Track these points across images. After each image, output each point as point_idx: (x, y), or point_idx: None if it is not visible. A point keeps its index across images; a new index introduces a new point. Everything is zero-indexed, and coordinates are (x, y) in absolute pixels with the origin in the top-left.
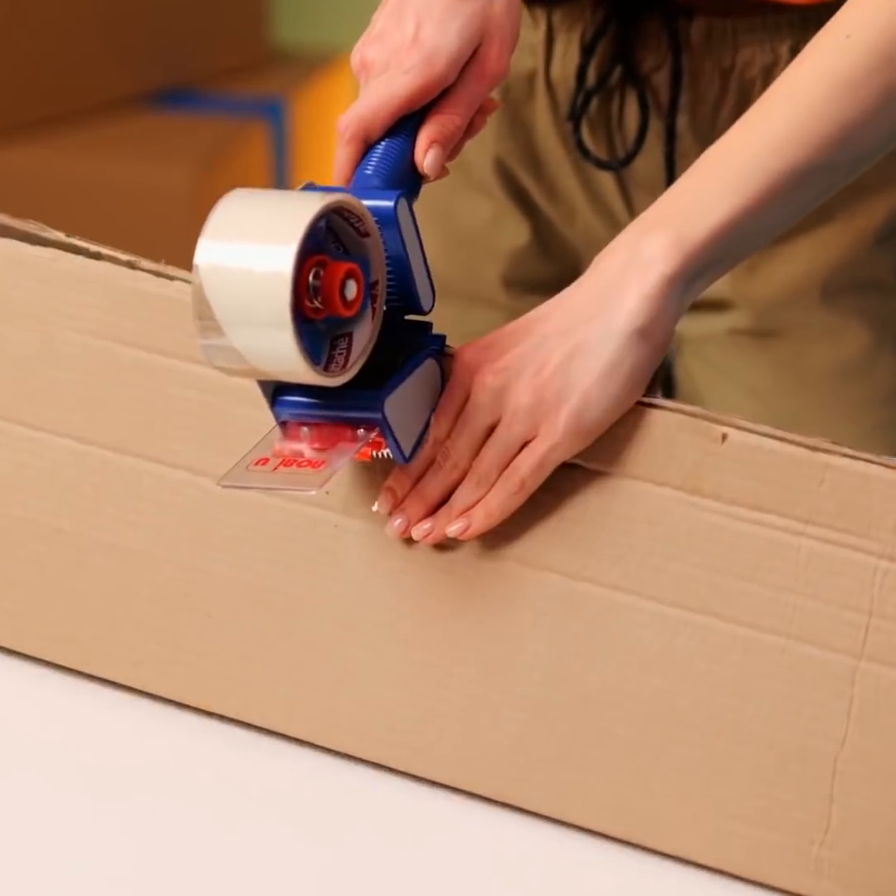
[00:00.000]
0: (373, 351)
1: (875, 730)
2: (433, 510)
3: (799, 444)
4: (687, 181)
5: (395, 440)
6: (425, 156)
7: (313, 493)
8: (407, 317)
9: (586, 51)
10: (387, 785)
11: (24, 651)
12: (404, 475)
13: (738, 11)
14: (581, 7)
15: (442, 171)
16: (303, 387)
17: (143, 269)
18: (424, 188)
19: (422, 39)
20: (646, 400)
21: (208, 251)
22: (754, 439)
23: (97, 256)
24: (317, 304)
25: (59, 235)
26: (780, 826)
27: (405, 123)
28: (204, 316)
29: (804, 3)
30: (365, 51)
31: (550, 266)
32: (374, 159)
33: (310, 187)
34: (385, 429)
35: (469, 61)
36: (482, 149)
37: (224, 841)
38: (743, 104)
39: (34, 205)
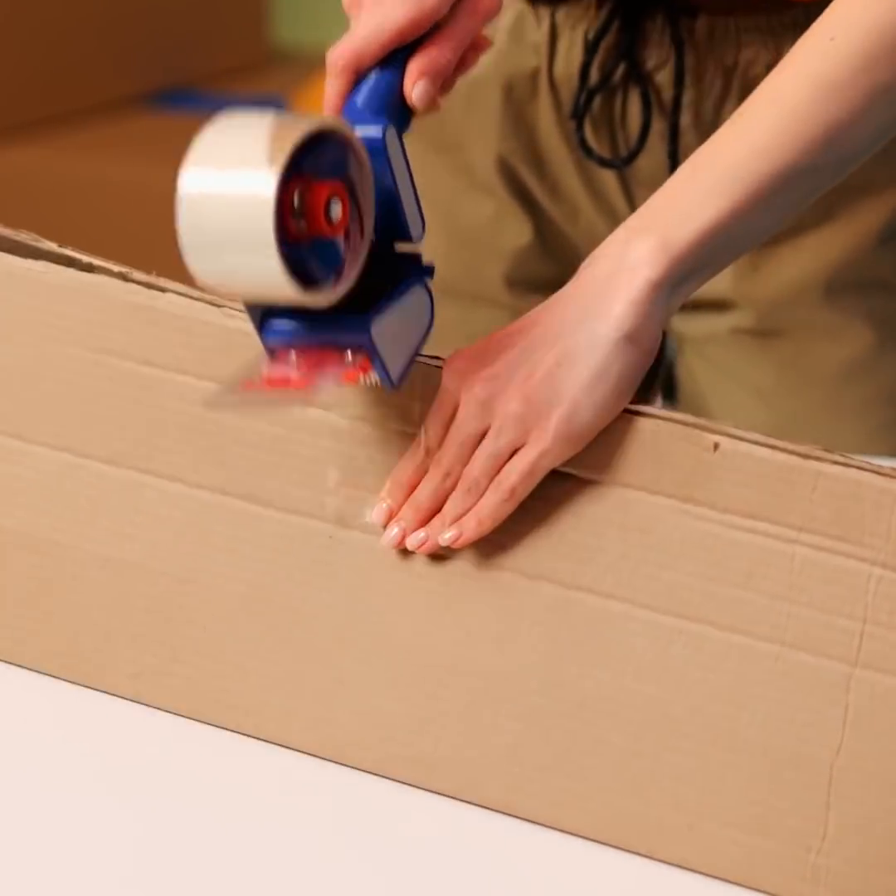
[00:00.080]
0: (361, 278)
1: (871, 737)
2: (428, 519)
3: (791, 452)
4: (673, 185)
5: (382, 363)
6: (414, 87)
7: (308, 405)
8: (397, 246)
9: (589, 49)
10: (383, 793)
11: (21, 664)
12: (399, 486)
13: (741, 9)
14: (585, 5)
15: (432, 105)
16: (291, 313)
17: (135, 281)
18: (427, 188)
19: None
20: (638, 408)
21: (192, 175)
22: (746, 447)
23: (90, 268)
24: (302, 225)
25: (52, 246)
26: (776, 834)
27: (396, 57)
28: (191, 241)
29: (807, 0)
30: None
31: (553, 266)
32: (364, 91)
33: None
34: (372, 352)
35: None
36: (485, 148)
37: (220, 848)
38: None
39: (34, 205)
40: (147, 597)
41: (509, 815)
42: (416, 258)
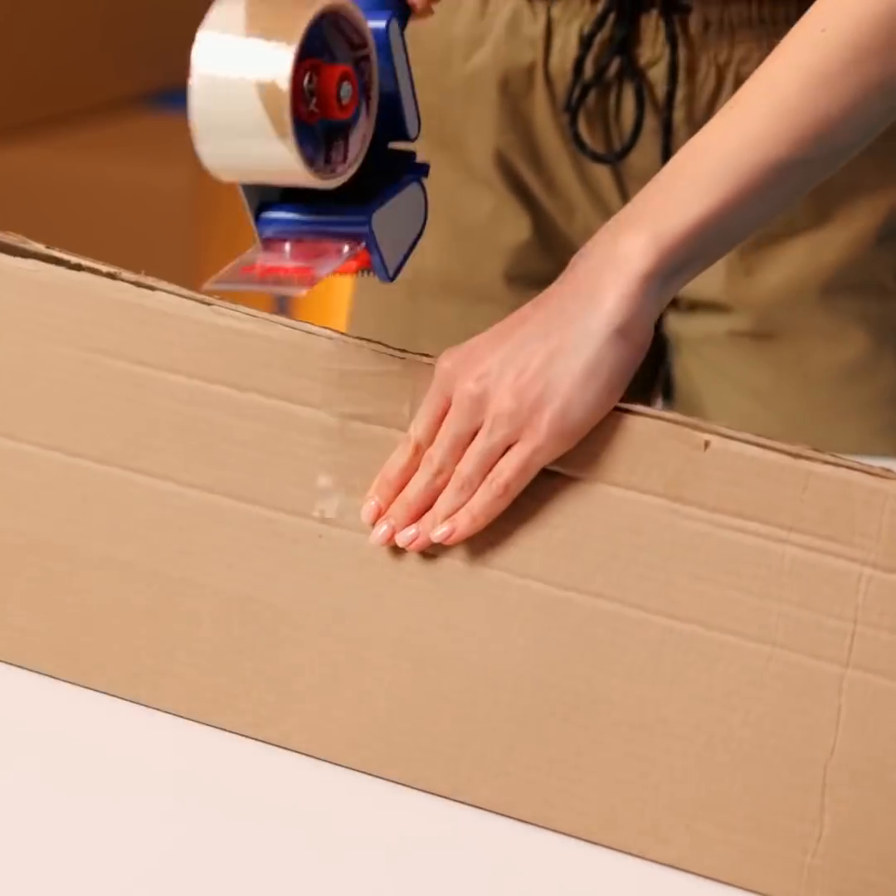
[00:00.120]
0: (358, 174)
1: (864, 737)
2: (418, 517)
3: (781, 451)
4: (662, 179)
5: (380, 256)
6: None
7: (303, 292)
8: (391, 145)
9: (584, 44)
10: (377, 794)
11: (20, 664)
12: (387, 484)
13: (735, 5)
14: (580, 0)
15: (427, 3)
16: (289, 203)
17: (124, 280)
18: (429, 185)
19: None
20: (628, 407)
21: (204, 56)
22: (736, 446)
23: (78, 268)
24: (312, 107)
25: (40, 247)
26: (770, 835)
27: None
28: (202, 121)
29: None
30: None
31: (552, 262)
32: None
33: None
34: (371, 242)
35: None
36: (483, 142)
37: (218, 847)
38: None
39: (34, 205)
40: (142, 596)
41: (504, 815)
42: (411, 156)
